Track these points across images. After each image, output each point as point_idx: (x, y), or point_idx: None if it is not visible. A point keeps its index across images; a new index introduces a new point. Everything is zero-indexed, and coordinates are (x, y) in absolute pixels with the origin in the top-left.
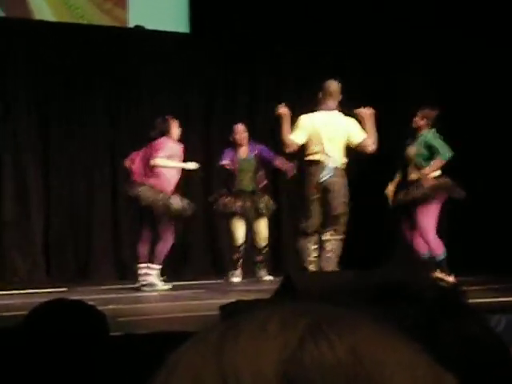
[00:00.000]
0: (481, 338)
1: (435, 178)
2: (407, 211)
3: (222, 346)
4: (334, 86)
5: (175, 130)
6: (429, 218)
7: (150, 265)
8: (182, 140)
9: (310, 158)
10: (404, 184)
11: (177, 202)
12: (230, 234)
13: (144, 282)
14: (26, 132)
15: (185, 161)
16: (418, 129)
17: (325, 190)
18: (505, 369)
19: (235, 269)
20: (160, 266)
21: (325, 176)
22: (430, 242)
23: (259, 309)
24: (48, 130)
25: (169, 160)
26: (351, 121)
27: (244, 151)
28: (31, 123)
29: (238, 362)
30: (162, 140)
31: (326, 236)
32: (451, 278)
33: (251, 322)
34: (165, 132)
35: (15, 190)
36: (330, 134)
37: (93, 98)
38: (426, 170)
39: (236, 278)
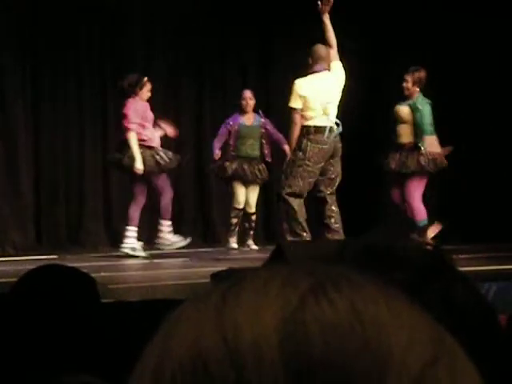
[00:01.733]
0: (468, 303)
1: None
2: (400, 178)
3: (223, 304)
4: (322, 49)
5: (146, 92)
6: (418, 185)
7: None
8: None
9: (312, 123)
10: (396, 148)
11: (142, 160)
12: (232, 196)
13: (124, 246)
14: (14, 93)
15: (156, 118)
16: (410, 95)
17: (330, 155)
18: (492, 333)
19: (232, 235)
20: (135, 228)
21: (331, 140)
22: (414, 208)
23: (262, 270)
24: (37, 93)
25: (139, 129)
26: (341, 79)
27: (249, 118)
28: (20, 85)
29: (238, 319)
30: (129, 104)
31: (329, 199)
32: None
33: (253, 281)
34: (135, 89)
35: (4, 153)
36: (329, 96)
37: (83, 58)
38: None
39: (234, 244)
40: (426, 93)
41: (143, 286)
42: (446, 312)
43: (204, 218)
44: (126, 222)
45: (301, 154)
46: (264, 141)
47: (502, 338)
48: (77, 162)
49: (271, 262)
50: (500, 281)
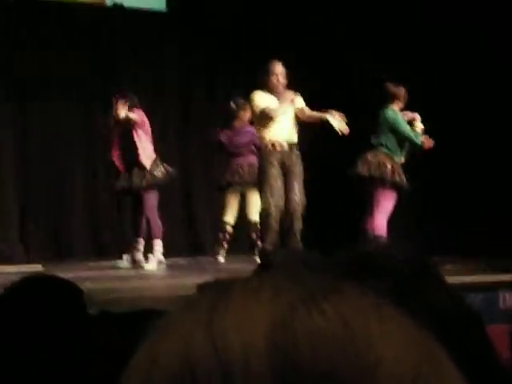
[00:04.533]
0: (453, 310)
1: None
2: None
3: (213, 311)
4: (279, 67)
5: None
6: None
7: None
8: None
9: (268, 136)
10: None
11: (157, 172)
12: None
13: (158, 260)
14: (1, 108)
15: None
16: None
17: (287, 171)
18: (478, 340)
19: (222, 247)
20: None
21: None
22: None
23: (252, 278)
24: (24, 108)
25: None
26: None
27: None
28: (6, 100)
29: (227, 329)
30: (141, 114)
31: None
32: None
33: (243, 289)
34: (138, 103)
35: None
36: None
37: (69, 76)
38: None
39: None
40: None
41: (129, 296)
42: (431, 319)
43: (192, 227)
44: (156, 235)
45: None
46: None
47: (489, 347)
48: (65, 172)
49: (259, 270)
50: (485, 292)
